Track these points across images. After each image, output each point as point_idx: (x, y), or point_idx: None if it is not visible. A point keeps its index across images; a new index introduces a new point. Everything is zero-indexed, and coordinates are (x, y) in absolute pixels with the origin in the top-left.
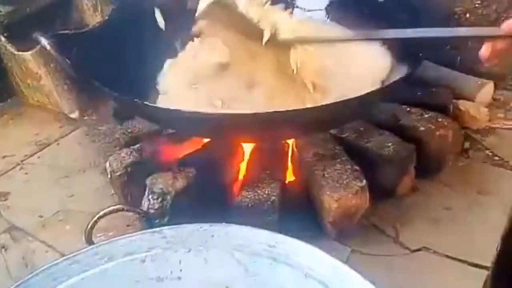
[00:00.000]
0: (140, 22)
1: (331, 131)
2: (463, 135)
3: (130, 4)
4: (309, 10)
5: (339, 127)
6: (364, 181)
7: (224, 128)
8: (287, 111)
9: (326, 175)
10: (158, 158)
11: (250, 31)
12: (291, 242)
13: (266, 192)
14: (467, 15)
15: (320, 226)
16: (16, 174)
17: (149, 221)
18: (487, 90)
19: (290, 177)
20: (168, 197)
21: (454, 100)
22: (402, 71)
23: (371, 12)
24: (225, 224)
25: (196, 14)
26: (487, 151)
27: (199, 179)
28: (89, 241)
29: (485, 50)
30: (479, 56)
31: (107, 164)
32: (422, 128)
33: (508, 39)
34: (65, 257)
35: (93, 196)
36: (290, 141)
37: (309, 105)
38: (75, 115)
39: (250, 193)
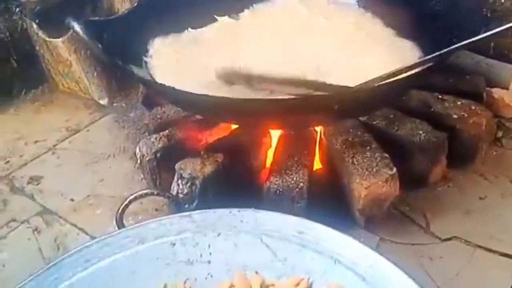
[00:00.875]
0: (168, 8)
1: (361, 118)
2: (496, 124)
3: None
4: None
5: (369, 114)
6: (394, 169)
7: (252, 114)
8: (318, 95)
9: (356, 163)
10: (187, 144)
11: None
12: (320, 228)
13: (295, 178)
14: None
15: (348, 214)
16: (48, 158)
17: (178, 205)
18: None
19: (318, 164)
20: (197, 182)
21: (488, 88)
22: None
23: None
24: (254, 209)
25: None
26: None
27: (227, 165)
28: (120, 224)
29: None
30: None
31: (137, 149)
32: (455, 116)
33: None
34: (96, 239)
35: (123, 181)
36: (318, 128)
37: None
38: (104, 101)
39: (278, 179)
